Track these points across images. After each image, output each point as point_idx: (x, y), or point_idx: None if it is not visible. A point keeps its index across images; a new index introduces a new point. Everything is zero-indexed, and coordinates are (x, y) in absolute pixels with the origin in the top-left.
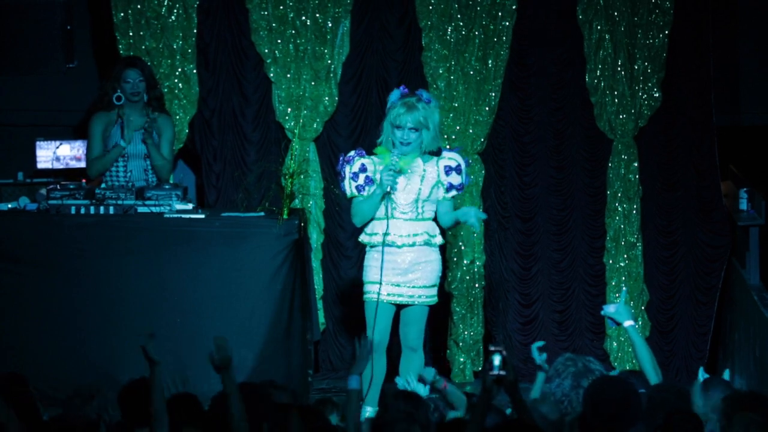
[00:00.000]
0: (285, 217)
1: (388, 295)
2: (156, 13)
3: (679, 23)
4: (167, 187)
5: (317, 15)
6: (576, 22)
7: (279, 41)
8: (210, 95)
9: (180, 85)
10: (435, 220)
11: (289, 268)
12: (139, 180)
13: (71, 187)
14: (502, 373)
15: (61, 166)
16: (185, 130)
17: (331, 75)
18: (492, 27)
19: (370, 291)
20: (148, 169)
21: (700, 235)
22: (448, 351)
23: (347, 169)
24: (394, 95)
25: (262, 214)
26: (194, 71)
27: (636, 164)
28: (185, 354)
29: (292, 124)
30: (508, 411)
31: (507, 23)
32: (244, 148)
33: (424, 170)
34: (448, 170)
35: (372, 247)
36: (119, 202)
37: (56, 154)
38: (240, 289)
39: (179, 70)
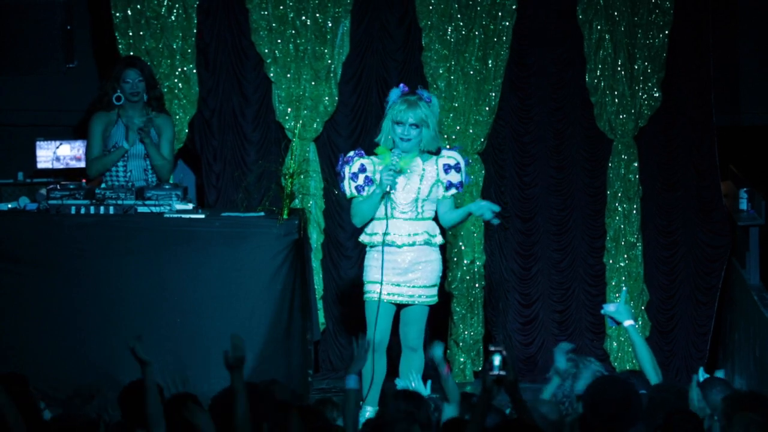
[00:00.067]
0: (285, 217)
1: (389, 294)
2: (156, 13)
3: (679, 23)
4: (167, 187)
5: (317, 15)
6: (576, 22)
7: (279, 41)
8: (210, 95)
9: (180, 85)
10: (435, 219)
11: (289, 268)
12: (139, 180)
13: (71, 187)
14: (502, 373)
15: (61, 166)
16: (185, 130)
17: (331, 75)
18: (492, 27)
19: (371, 291)
20: (148, 168)
21: (700, 235)
22: (448, 351)
23: (347, 169)
24: (395, 93)
25: (262, 214)
26: (194, 71)
27: (636, 164)
28: (185, 354)
29: (292, 124)
30: (507, 411)
31: (507, 23)
32: (244, 148)
33: (424, 169)
34: (447, 168)
35: (372, 247)
36: (119, 202)
37: (56, 154)
38: (240, 289)
39: (179, 70)
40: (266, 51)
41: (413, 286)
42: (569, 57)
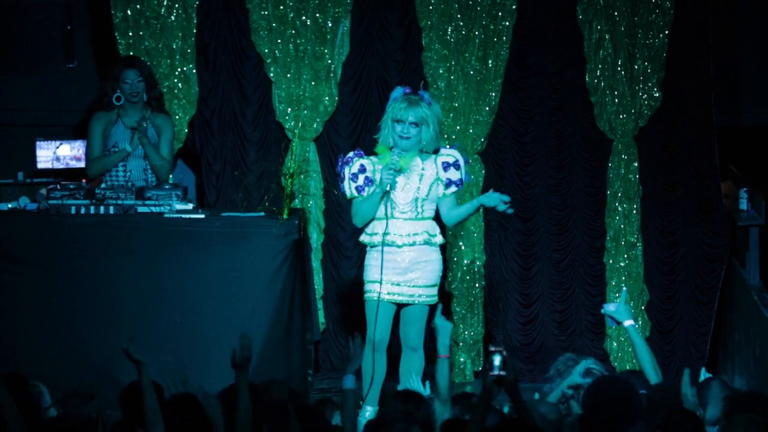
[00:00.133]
0: (285, 217)
1: (389, 294)
2: (155, 13)
3: (679, 23)
4: (167, 187)
5: (317, 15)
6: (576, 22)
7: (279, 41)
8: (210, 95)
9: (179, 85)
10: (435, 219)
11: (289, 268)
12: (138, 180)
13: (71, 187)
14: (503, 373)
15: (61, 166)
16: (185, 130)
17: (331, 75)
18: (492, 27)
19: (371, 290)
20: (147, 168)
21: (700, 235)
22: None
23: (346, 170)
24: (396, 92)
25: (262, 214)
26: (194, 71)
27: (636, 164)
28: (185, 354)
29: (292, 124)
30: (506, 408)
31: (507, 23)
32: (244, 148)
33: (423, 169)
34: (446, 166)
35: (372, 246)
36: (119, 202)
37: (56, 154)
38: (240, 289)
39: (179, 70)
40: (266, 51)
41: (413, 286)
42: (569, 57)
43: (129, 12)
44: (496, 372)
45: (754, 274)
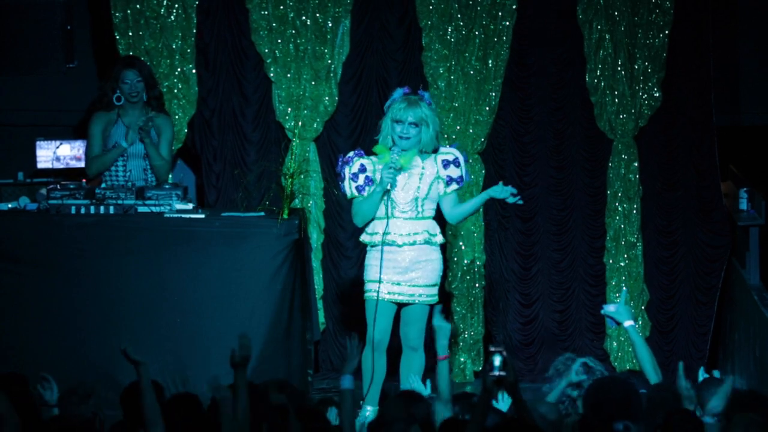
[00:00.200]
0: (285, 217)
1: (389, 293)
2: (155, 12)
3: (679, 23)
4: (167, 187)
5: (317, 15)
6: (576, 22)
7: (279, 41)
8: (210, 95)
9: (179, 84)
10: (435, 218)
11: (289, 268)
12: (138, 180)
13: (71, 187)
14: (503, 373)
15: (61, 166)
16: (184, 129)
17: (331, 75)
18: (492, 27)
19: (371, 290)
20: (147, 168)
21: (700, 235)
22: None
23: (347, 170)
24: (396, 93)
25: (262, 214)
26: (193, 71)
27: (636, 164)
28: (185, 354)
29: (292, 124)
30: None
31: (507, 23)
32: (244, 148)
33: (423, 168)
34: (446, 164)
35: (373, 246)
36: (119, 201)
37: (56, 154)
38: (240, 289)
39: (178, 69)
40: (266, 51)
41: (414, 285)
42: (569, 57)
43: (129, 12)
44: (496, 372)
45: (754, 274)
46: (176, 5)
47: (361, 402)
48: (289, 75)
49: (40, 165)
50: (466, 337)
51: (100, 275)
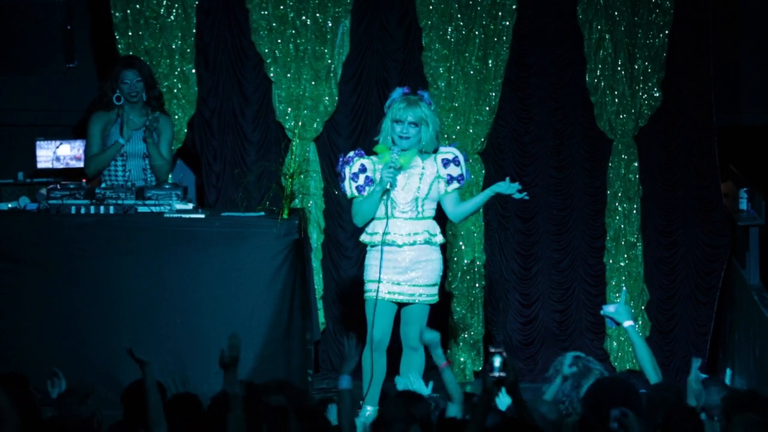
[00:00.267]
0: (285, 217)
1: (389, 293)
2: (155, 12)
3: (679, 23)
4: (167, 186)
5: (317, 15)
6: (576, 22)
7: (279, 41)
8: (210, 95)
9: (179, 84)
10: (435, 218)
11: (289, 268)
12: (137, 179)
13: (71, 186)
14: (503, 374)
15: (61, 166)
16: (184, 129)
17: (331, 75)
18: (492, 27)
19: (371, 289)
20: (146, 168)
21: (700, 235)
22: (448, 351)
23: (347, 170)
24: (396, 93)
25: (262, 214)
26: (193, 71)
27: (636, 164)
28: (185, 354)
29: (292, 124)
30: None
31: (507, 23)
32: (244, 148)
33: (423, 168)
34: (446, 163)
35: (373, 246)
36: (119, 201)
37: (56, 154)
38: (240, 289)
39: (178, 69)
40: (266, 51)
41: (414, 285)
42: (569, 57)
43: (128, 12)
44: (496, 373)
45: (754, 274)
46: (176, 5)
47: (361, 402)
48: (289, 75)
49: (40, 165)
50: (466, 337)
51: (100, 275)
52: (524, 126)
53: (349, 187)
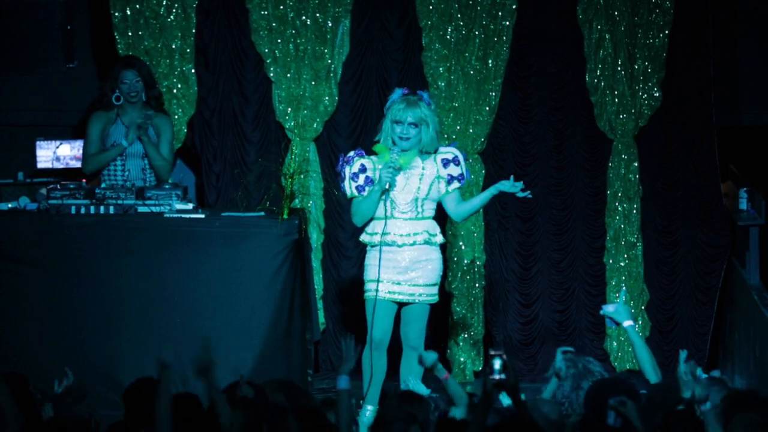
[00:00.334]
0: (285, 217)
1: (389, 293)
2: (155, 12)
3: (679, 23)
4: (167, 186)
5: (317, 15)
6: (576, 21)
7: (279, 41)
8: (210, 95)
9: (179, 84)
10: (435, 218)
11: (289, 268)
12: (137, 179)
13: (71, 186)
14: (503, 377)
15: (61, 166)
16: (183, 129)
17: (331, 75)
18: (492, 27)
19: (371, 289)
20: (146, 168)
21: (700, 235)
22: (448, 351)
23: (347, 169)
24: (396, 94)
25: (262, 214)
26: (193, 71)
27: (636, 164)
28: (185, 354)
29: (292, 124)
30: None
31: (507, 23)
32: (244, 148)
33: (423, 168)
34: (446, 162)
35: (372, 246)
36: (119, 201)
37: (56, 154)
38: (240, 289)
39: (178, 69)
40: (266, 51)
41: (414, 285)
42: (569, 57)
43: (128, 12)
44: (496, 376)
45: (754, 274)
46: (176, 5)
47: (362, 402)
48: (289, 75)
49: (40, 165)
50: (466, 337)
51: (100, 275)
52: (524, 126)
53: (349, 187)
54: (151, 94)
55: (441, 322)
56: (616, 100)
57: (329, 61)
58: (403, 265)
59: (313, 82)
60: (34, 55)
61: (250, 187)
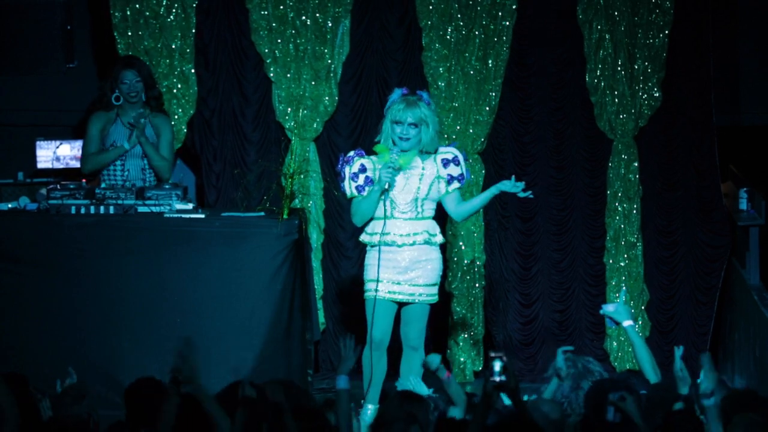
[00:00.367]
0: (285, 217)
1: (389, 293)
2: (154, 12)
3: (679, 23)
4: (167, 186)
5: (317, 15)
6: (576, 22)
7: (279, 41)
8: (210, 95)
9: (179, 84)
10: (435, 218)
11: (289, 268)
12: (136, 179)
13: (71, 186)
14: (503, 379)
15: (61, 166)
16: (184, 129)
17: (331, 75)
18: (492, 27)
19: (371, 289)
20: (146, 168)
21: (700, 235)
22: (448, 351)
23: (347, 169)
24: (395, 94)
25: (262, 214)
26: (193, 71)
27: (636, 164)
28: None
29: (292, 124)
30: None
31: (507, 23)
32: (244, 148)
33: (423, 168)
34: (446, 163)
35: (372, 246)
36: (119, 201)
37: (56, 154)
38: (240, 289)
39: (178, 69)
40: (266, 51)
41: (414, 285)
42: (569, 57)
43: (128, 12)
44: (496, 378)
45: (754, 274)
46: (176, 5)
47: (362, 401)
48: (289, 75)
49: (40, 165)
50: (466, 337)
51: (100, 275)
52: (524, 126)
53: (349, 187)
54: (150, 94)
55: (441, 322)
56: (616, 100)
57: (329, 61)
58: (403, 265)
59: (313, 82)
60: (34, 55)
61: (250, 187)
